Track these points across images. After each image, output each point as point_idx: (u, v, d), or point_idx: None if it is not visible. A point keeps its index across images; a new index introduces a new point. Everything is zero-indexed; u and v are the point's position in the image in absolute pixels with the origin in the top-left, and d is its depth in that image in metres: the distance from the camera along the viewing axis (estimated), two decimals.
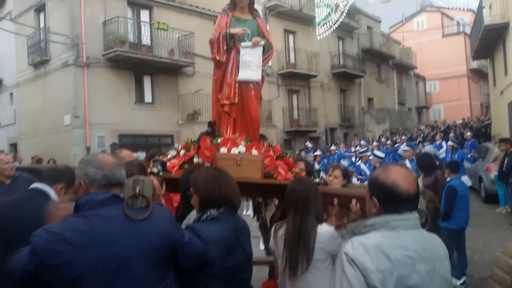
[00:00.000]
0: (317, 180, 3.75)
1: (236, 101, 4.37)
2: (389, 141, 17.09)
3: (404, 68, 37.30)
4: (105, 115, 16.87)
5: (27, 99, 19.19)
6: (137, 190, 2.08)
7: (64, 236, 1.90)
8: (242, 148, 4.00)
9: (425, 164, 7.24)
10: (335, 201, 2.90)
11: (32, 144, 18.22)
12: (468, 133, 17.61)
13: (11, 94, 20.53)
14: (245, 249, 2.43)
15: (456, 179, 6.48)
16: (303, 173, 4.43)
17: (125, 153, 4.81)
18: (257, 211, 6.55)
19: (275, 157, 4.12)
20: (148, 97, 18.86)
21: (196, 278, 2.36)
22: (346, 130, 28.68)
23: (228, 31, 4.41)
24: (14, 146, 19.74)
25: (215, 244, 2.30)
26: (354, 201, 2.48)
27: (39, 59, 18.08)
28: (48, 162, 13.90)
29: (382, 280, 1.70)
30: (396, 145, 17.70)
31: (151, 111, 18.58)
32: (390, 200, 1.85)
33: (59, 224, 2.01)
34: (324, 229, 2.84)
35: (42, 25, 18.54)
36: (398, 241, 1.79)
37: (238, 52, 4.48)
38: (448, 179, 6.75)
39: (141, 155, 9.93)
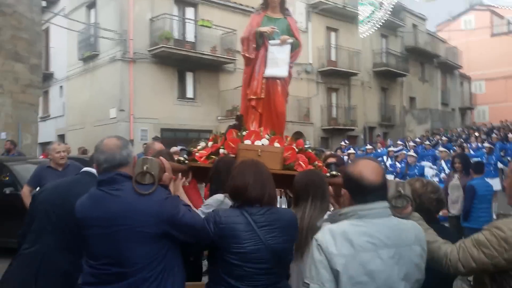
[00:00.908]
0: (333, 172, 3.94)
1: (262, 96, 4.61)
2: (427, 142, 16.88)
3: (449, 68, 36.42)
4: (148, 109, 17.52)
5: (75, 92, 20.09)
6: (145, 168, 2.34)
7: (75, 208, 2.42)
8: (265, 141, 4.24)
9: (466, 164, 7.27)
10: (343, 191, 3.09)
11: (79, 135, 19.08)
12: (510, 135, 17.12)
13: (61, 87, 21.53)
14: (264, 240, 2.44)
15: (478, 179, 6.55)
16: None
17: (158, 146, 5.18)
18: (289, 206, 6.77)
19: (297, 150, 4.33)
20: (190, 93, 19.44)
21: (213, 262, 2.53)
22: (386, 129, 28.32)
23: (257, 29, 4.66)
24: (62, 137, 20.69)
25: (221, 226, 2.43)
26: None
27: (88, 53, 18.94)
28: None
29: (344, 264, 1.88)
30: (436, 146, 17.45)
31: (192, 106, 19.11)
32: (357, 190, 2.03)
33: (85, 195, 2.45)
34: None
35: (92, 21, 19.38)
36: (363, 229, 1.95)
37: (267, 49, 4.71)
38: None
39: (177, 149, 10.30)
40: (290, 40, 4.70)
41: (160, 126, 17.94)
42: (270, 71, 4.64)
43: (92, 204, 2.38)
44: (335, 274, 1.89)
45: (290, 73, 4.82)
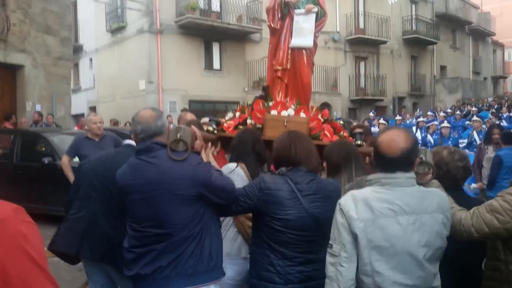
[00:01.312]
0: (358, 142, 4.00)
1: (288, 67, 4.66)
2: (458, 112, 16.57)
3: (481, 35, 35.24)
4: (176, 81, 17.68)
5: (105, 64, 20.39)
6: (179, 136, 2.49)
7: (116, 177, 2.62)
8: (291, 111, 4.32)
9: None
10: (367, 159, 3.17)
11: (110, 107, 19.45)
12: None
13: (91, 59, 21.84)
14: (307, 208, 2.49)
15: (506, 150, 6.50)
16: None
17: (189, 116, 5.34)
18: None
19: (322, 120, 4.41)
20: (216, 64, 19.47)
21: (257, 227, 2.63)
22: (416, 99, 27.83)
23: None
24: (93, 109, 21.10)
25: (265, 192, 2.52)
26: None
27: (116, 25, 19.12)
28: (125, 124, 14.88)
29: (363, 228, 1.98)
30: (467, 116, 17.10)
31: (219, 77, 19.18)
32: (377, 160, 2.12)
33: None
34: None
35: None
36: (383, 196, 2.04)
37: (292, 19, 4.73)
38: None
39: (207, 120, 10.48)
40: (315, 9, 4.70)
41: (188, 98, 18.12)
42: (295, 41, 4.67)
43: (131, 172, 2.56)
44: (355, 237, 2.00)
45: (315, 43, 4.83)
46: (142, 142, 2.60)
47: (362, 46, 24.44)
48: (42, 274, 1.05)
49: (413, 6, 27.87)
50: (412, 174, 2.11)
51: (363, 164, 3.12)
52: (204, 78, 18.62)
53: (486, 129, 9.98)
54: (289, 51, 4.67)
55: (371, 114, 18.31)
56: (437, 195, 2.17)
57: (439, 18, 29.32)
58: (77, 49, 21.77)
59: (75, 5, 21.63)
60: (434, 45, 28.92)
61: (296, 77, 4.69)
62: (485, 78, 35.37)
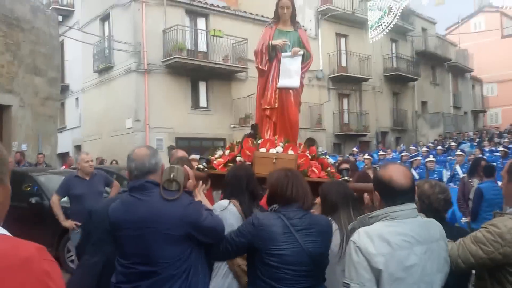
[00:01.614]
0: (345, 178, 4.14)
1: (276, 106, 4.83)
2: (439, 147, 16.90)
3: (460, 71, 36.26)
4: (163, 119, 17.81)
5: (91, 104, 20.47)
6: (172, 176, 2.57)
7: (109, 212, 2.68)
8: (279, 149, 4.46)
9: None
10: (375, 194, 3.29)
11: (96, 146, 19.38)
12: None
13: (77, 98, 21.94)
14: (302, 243, 2.52)
15: (487, 183, 6.67)
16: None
17: (180, 153, 5.44)
18: None
19: (310, 157, 4.55)
20: (203, 102, 19.70)
21: (252, 264, 2.65)
22: (398, 134, 28.31)
23: (270, 42, 4.89)
24: (78, 148, 21.07)
25: (259, 228, 2.57)
26: (365, 194, 2.83)
27: (103, 66, 19.33)
28: (111, 163, 14.83)
29: (384, 262, 2.02)
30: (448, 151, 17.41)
31: (206, 115, 19.39)
32: (387, 193, 2.18)
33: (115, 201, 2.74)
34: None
35: (106, 33, 19.80)
36: (397, 229, 2.10)
37: (279, 61, 4.94)
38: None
39: (196, 157, 10.56)
40: (301, 52, 4.92)
41: (175, 135, 18.22)
42: (282, 82, 4.86)
43: (124, 208, 2.62)
44: (376, 273, 2.02)
45: (302, 84, 5.04)
46: (136, 179, 2.65)
47: (345, 84, 24.96)
48: None
49: (394, 44, 28.68)
50: (414, 205, 2.21)
51: (358, 205, 3.22)
52: (191, 115, 18.80)
53: (470, 162, 10.18)
54: (277, 91, 4.86)
55: (354, 149, 18.62)
56: (436, 223, 2.29)
57: (419, 56, 30.17)
58: (63, 89, 21.86)
59: (62, 45, 21.89)
60: (415, 82, 29.63)
61: (284, 115, 4.86)
62: (465, 113, 36.22)
